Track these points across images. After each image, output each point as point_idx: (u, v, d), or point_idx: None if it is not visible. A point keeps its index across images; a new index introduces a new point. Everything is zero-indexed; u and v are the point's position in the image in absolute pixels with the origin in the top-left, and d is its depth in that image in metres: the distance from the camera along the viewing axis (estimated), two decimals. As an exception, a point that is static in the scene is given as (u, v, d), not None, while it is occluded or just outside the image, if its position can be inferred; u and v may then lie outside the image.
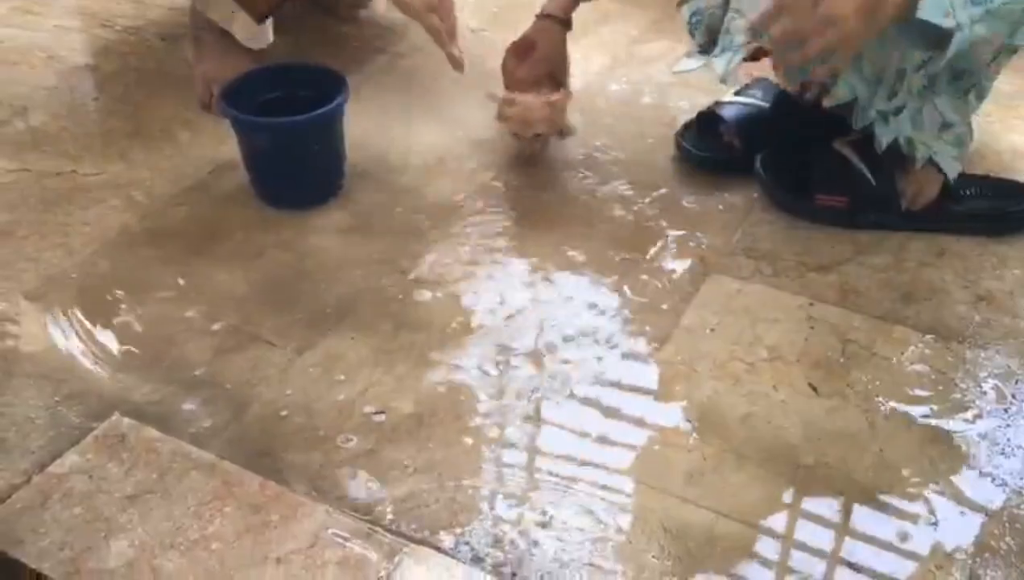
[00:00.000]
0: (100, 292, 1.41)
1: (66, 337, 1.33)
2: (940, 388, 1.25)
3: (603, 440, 1.19)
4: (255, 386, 1.26)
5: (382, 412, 1.22)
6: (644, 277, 1.43)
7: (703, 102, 1.73)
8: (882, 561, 1.06)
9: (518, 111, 1.48)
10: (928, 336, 1.33)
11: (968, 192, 1.49)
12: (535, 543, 1.07)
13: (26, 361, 1.29)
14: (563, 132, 1.66)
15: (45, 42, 2.02)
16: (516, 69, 1.61)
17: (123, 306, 1.38)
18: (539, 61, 1.60)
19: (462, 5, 1.69)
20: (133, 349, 1.31)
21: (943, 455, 1.17)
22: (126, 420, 1.19)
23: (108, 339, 1.33)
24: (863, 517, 1.10)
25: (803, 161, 1.53)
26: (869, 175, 1.47)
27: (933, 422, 1.21)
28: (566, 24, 1.63)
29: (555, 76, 1.60)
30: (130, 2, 2.18)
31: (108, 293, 1.41)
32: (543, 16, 1.63)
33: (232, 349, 1.31)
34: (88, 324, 1.35)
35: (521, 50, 1.62)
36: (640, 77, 1.91)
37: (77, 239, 1.50)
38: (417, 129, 1.76)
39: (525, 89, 1.56)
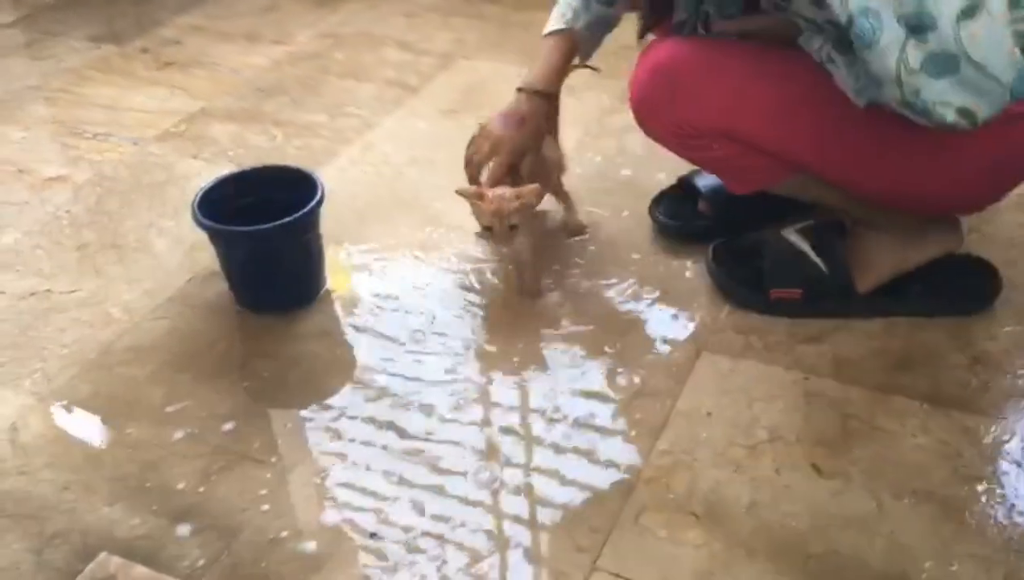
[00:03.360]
0: (82, 419, 1.37)
1: (50, 471, 1.29)
2: (945, 460, 1.23)
3: (609, 541, 1.16)
4: (245, 510, 1.22)
5: (376, 534, 1.19)
6: (635, 361, 1.41)
7: (678, 170, 1.73)
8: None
9: (490, 205, 1.44)
10: (927, 405, 1.31)
11: (925, 270, 1.46)
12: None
13: (7, 499, 1.25)
14: (573, 231, 1.66)
15: (14, 155, 2.01)
16: (493, 127, 1.52)
17: (106, 432, 1.35)
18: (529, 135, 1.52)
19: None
20: (118, 479, 1.28)
21: (956, 533, 1.14)
22: (114, 559, 1.15)
23: (92, 469, 1.29)
24: (880, 606, 1.07)
25: (755, 250, 1.51)
26: (821, 263, 1.45)
27: (941, 498, 1.18)
28: (549, 97, 1.55)
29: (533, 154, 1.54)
30: (100, 108, 2.17)
31: (90, 419, 1.37)
32: (527, 90, 1.53)
33: (220, 470, 1.28)
34: (71, 455, 1.32)
35: (512, 121, 1.52)
36: (613, 149, 1.90)
37: (55, 363, 1.47)
38: (395, 222, 1.75)
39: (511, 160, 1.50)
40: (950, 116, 1.14)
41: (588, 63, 1.62)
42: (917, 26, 1.11)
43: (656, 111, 1.40)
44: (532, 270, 1.54)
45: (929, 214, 1.43)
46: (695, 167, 1.70)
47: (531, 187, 1.46)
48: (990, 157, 1.29)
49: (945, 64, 1.11)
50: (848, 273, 1.44)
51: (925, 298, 1.45)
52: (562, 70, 1.57)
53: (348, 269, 1.64)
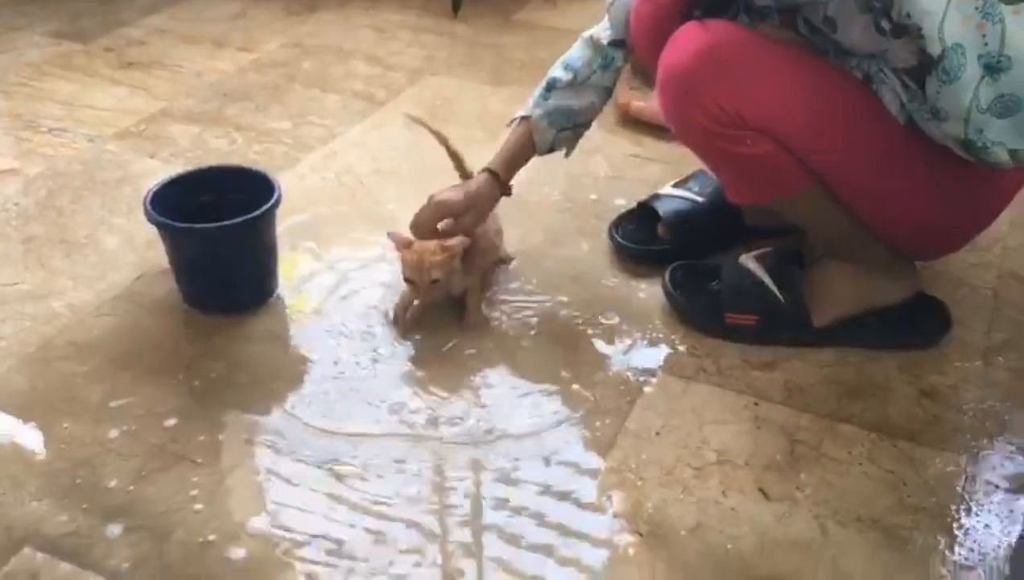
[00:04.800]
0: (16, 412, 1.33)
1: (-24, 463, 1.25)
2: (890, 489, 1.23)
3: (548, 555, 1.14)
4: (179, 510, 1.19)
5: (319, 536, 1.16)
6: (586, 379, 1.40)
7: (640, 194, 1.73)
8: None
9: (413, 256, 1.42)
10: (875, 434, 1.31)
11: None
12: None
13: (-69, 491, 1.20)
14: (502, 259, 1.63)
15: (-34, 145, 1.96)
16: (440, 193, 1.48)
17: (40, 426, 1.31)
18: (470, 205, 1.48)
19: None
20: (49, 474, 1.23)
21: (898, 562, 1.13)
22: (39, 555, 1.11)
23: (22, 464, 1.25)
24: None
25: (712, 274, 1.51)
26: (777, 292, 1.45)
27: (885, 526, 1.18)
28: (503, 184, 1.52)
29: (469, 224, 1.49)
30: (57, 104, 2.13)
31: (24, 413, 1.33)
32: (484, 169, 1.52)
33: (156, 470, 1.24)
34: (1, 447, 1.27)
35: (456, 188, 1.51)
36: (578, 171, 1.90)
37: (-8, 355, 1.42)
38: (353, 230, 1.73)
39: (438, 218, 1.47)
40: (1003, 156, 1.18)
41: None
42: (994, 67, 1.14)
43: (700, 92, 1.28)
44: (476, 305, 1.52)
45: (916, 248, 1.43)
46: (656, 191, 1.72)
47: (456, 240, 1.43)
48: (1009, 193, 1.36)
49: (1008, 106, 1.15)
50: (804, 303, 1.45)
51: (878, 332, 1.45)
52: (516, 156, 1.54)
53: (301, 275, 1.61)
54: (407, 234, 1.46)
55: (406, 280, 1.44)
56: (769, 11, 1.34)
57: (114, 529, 1.16)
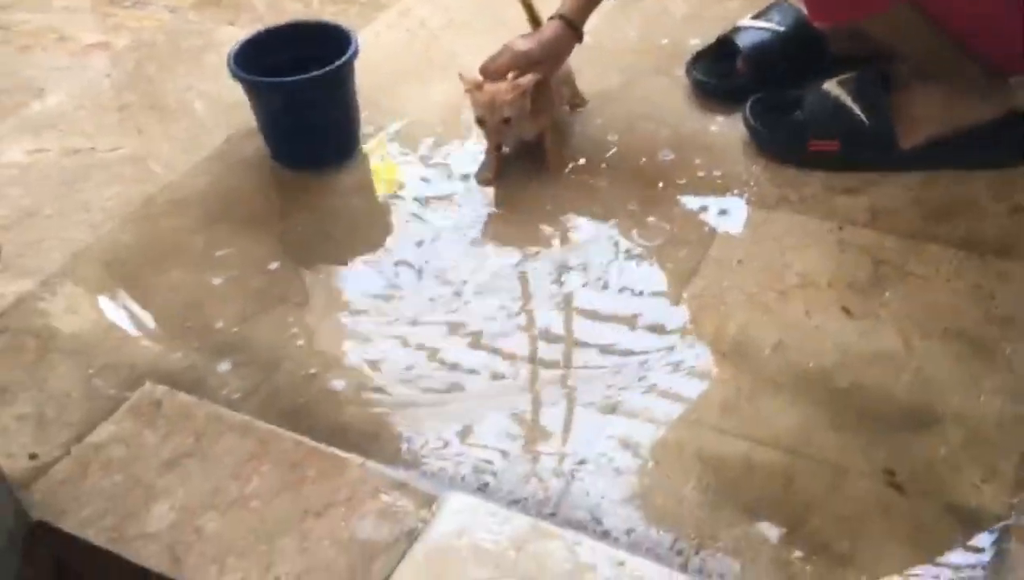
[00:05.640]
0: (126, 265, 1.41)
1: (96, 311, 1.34)
2: (978, 303, 1.22)
3: (636, 377, 1.18)
4: (284, 346, 1.26)
5: (411, 367, 1.22)
6: (668, 212, 1.41)
7: (717, 33, 1.69)
8: (923, 479, 1.04)
9: (485, 96, 1.42)
10: (962, 251, 1.29)
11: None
12: (573, 481, 1.06)
13: (58, 337, 1.30)
14: (577, 103, 1.63)
15: (55, 23, 2.02)
16: (516, 42, 1.48)
17: (149, 276, 1.39)
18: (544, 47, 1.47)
19: None
20: (162, 318, 1.32)
21: (985, 369, 1.14)
22: (159, 387, 1.20)
23: (137, 310, 1.34)
24: (902, 438, 1.08)
25: (794, 104, 1.48)
26: (862, 115, 1.42)
27: (972, 337, 1.18)
28: (573, 25, 1.49)
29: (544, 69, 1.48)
30: (137, -22, 2.17)
31: (134, 265, 1.41)
32: (555, 16, 1.50)
33: (259, 311, 1.32)
34: (116, 296, 1.36)
35: (530, 37, 1.50)
36: (656, 11, 1.86)
37: (99, 214, 1.50)
38: (430, 85, 1.74)
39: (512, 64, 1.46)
40: None
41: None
42: None
43: None
44: (554, 148, 1.52)
45: (1012, 58, 1.36)
46: (735, 25, 1.67)
47: (526, 77, 1.42)
48: None
49: None
50: (890, 124, 1.42)
51: (967, 151, 1.42)
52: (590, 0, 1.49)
53: (383, 129, 1.64)
54: (478, 77, 1.47)
55: (477, 121, 1.46)
56: None
57: (224, 365, 1.24)
